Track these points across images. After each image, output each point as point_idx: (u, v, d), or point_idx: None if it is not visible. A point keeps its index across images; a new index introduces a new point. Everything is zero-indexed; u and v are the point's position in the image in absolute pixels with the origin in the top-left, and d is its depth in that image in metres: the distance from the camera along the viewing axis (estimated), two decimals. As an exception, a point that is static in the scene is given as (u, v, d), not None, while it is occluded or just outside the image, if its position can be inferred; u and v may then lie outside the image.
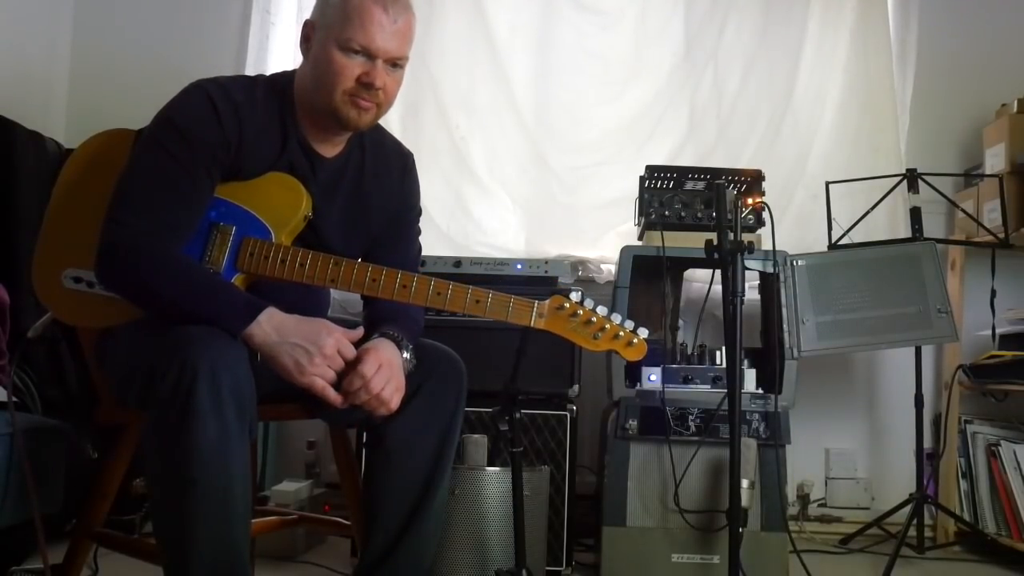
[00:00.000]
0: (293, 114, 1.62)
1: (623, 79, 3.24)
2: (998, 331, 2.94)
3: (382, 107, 1.60)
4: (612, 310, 1.59)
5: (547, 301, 1.55)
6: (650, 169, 2.62)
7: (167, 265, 1.46)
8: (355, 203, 1.70)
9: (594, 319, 1.55)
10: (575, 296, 1.56)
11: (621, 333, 1.57)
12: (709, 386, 2.38)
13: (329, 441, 1.87)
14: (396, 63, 1.58)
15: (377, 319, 1.63)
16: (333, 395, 1.47)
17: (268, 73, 1.73)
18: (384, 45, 1.53)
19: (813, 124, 3.21)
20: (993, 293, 3.00)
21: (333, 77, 1.54)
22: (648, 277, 2.53)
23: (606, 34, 3.26)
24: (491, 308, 1.54)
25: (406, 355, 1.56)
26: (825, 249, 2.80)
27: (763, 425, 2.32)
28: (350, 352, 1.48)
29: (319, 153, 1.65)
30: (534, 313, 1.55)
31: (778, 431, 2.31)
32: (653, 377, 2.38)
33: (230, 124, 1.54)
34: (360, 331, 1.54)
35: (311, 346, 1.43)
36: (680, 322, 2.82)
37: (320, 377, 1.45)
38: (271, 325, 1.42)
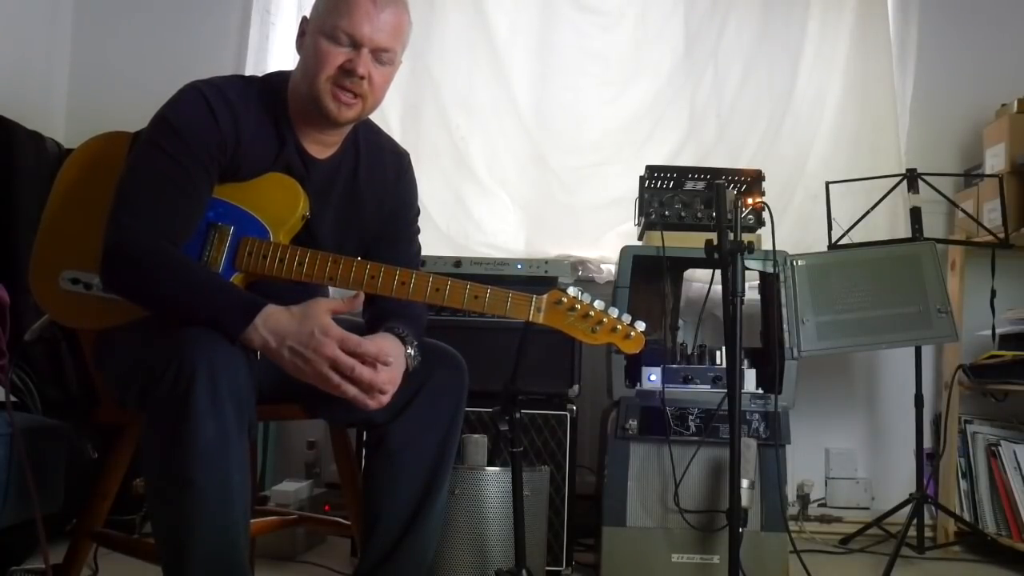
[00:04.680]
0: (287, 115, 1.62)
1: (623, 79, 3.25)
2: (998, 331, 2.94)
3: (367, 101, 1.58)
4: (611, 309, 1.59)
5: (545, 296, 1.56)
6: (650, 169, 2.62)
7: (169, 265, 1.46)
8: (349, 204, 1.70)
9: (592, 312, 1.56)
10: (572, 291, 1.56)
11: (619, 326, 1.57)
12: (709, 386, 2.38)
13: (329, 441, 1.87)
14: (382, 56, 1.57)
15: (381, 316, 1.62)
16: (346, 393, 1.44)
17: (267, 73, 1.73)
18: (370, 34, 1.53)
19: (813, 124, 3.21)
20: (993, 293, 3.00)
21: (317, 65, 1.54)
22: (648, 277, 2.53)
23: (606, 34, 3.26)
24: (489, 303, 1.54)
25: (410, 351, 1.55)
26: (825, 249, 2.80)
27: (763, 425, 2.32)
28: (354, 344, 1.44)
29: (312, 155, 1.64)
30: (532, 307, 1.55)
31: (778, 431, 2.31)
32: (653, 377, 2.38)
33: (226, 124, 1.54)
34: (359, 298, 1.51)
35: (306, 350, 1.41)
36: (680, 322, 2.82)
37: (321, 379, 1.43)
38: (267, 327, 1.41)
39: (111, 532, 1.74)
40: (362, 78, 1.54)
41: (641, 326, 1.59)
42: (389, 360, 1.47)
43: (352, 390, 1.44)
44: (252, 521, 1.58)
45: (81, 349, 1.65)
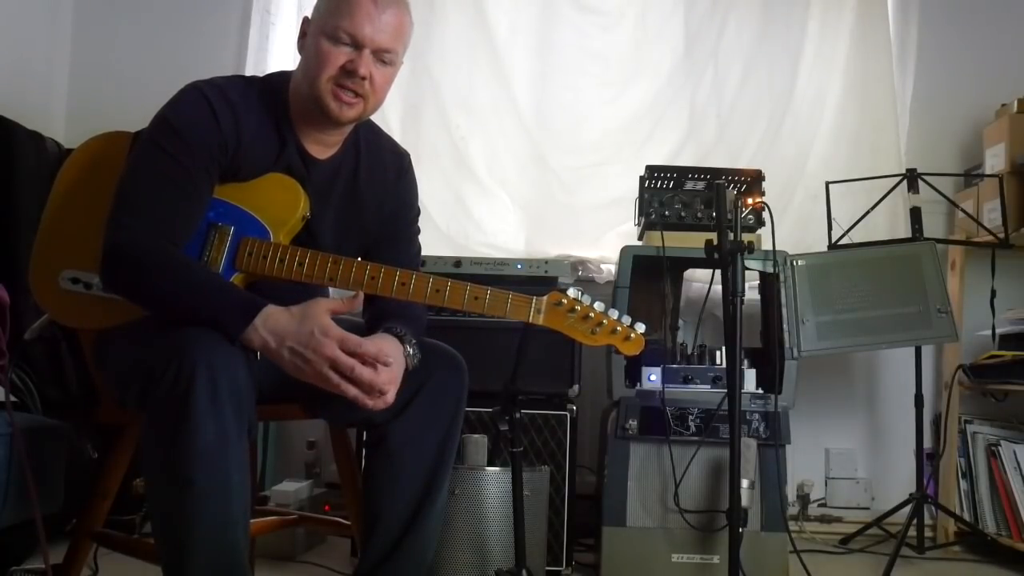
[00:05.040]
0: (288, 116, 1.62)
1: (623, 79, 3.25)
2: (998, 331, 2.94)
3: (368, 101, 1.58)
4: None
5: (545, 297, 1.56)
6: (650, 169, 2.62)
7: (169, 265, 1.46)
8: (350, 205, 1.70)
9: (592, 314, 1.56)
10: (572, 292, 1.56)
11: (619, 328, 1.57)
12: (709, 386, 2.38)
13: (329, 441, 1.87)
14: (384, 57, 1.57)
15: (380, 316, 1.62)
16: (345, 392, 1.44)
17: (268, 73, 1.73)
18: (371, 34, 1.53)
19: (813, 124, 3.21)
20: (993, 293, 3.00)
21: (319, 65, 1.54)
22: (648, 277, 2.53)
23: (606, 34, 3.26)
24: (489, 304, 1.54)
25: (409, 349, 1.55)
26: (825, 249, 2.80)
27: (763, 425, 2.32)
28: (354, 344, 1.44)
29: (313, 156, 1.64)
30: (532, 309, 1.55)
31: (778, 431, 2.31)
32: (653, 377, 2.38)
33: (227, 124, 1.54)
34: (359, 298, 1.51)
35: (306, 350, 1.41)
36: (680, 322, 2.82)
37: (321, 379, 1.44)
38: (266, 328, 1.40)
39: (111, 532, 1.74)
40: (363, 78, 1.54)
41: (641, 328, 1.59)
42: (389, 360, 1.47)
43: (352, 390, 1.44)
44: (252, 521, 1.59)
45: (81, 349, 1.65)
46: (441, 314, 2.16)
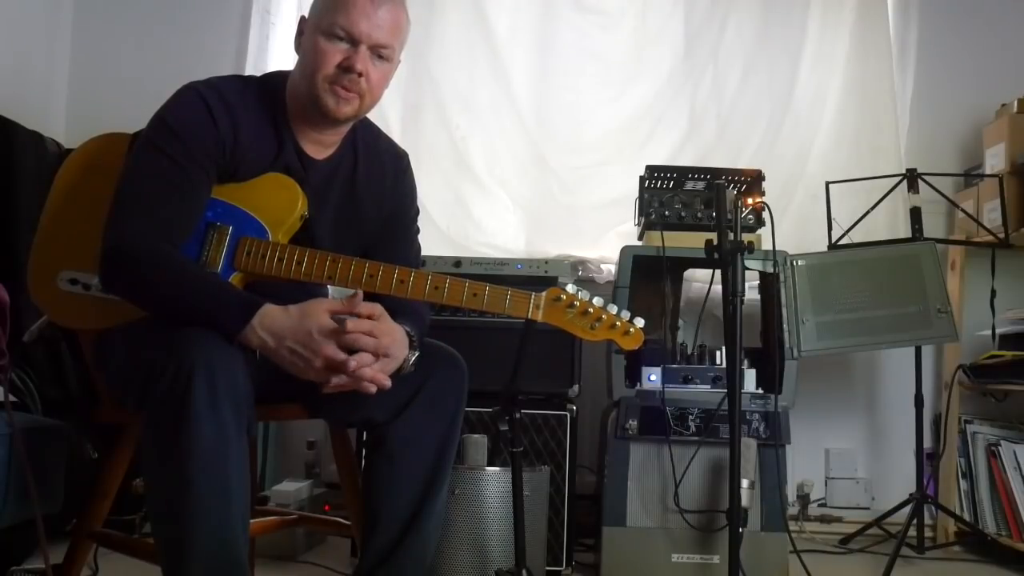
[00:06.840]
0: (285, 116, 1.62)
1: (623, 79, 3.25)
2: (998, 331, 2.94)
3: (364, 98, 1.58)
4: (611, 308, 1.59)
5: (544, 293, 1.56)
6: (650, 169, 2.62)
7: (167, 266, 1.46)
8: (348, 205, 1.70)
9: (591, 309, 1.56)
10: (571, 288, 1.56)
11: (618, 323, 1.58)
12: (709, 386, 2.38)
13: (329, 441, 1.87)
14: (380, 53, 1.56)
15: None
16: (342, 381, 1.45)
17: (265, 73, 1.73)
18: (367, 30, 1.53)
19: (813, 124, 3.21)
20: (993, 293, 3.00)
21: (315, 63, 1.54)
22: (648, 277, 2.53)
23: (606, 34, 3.26)
24: (489, 301, 1.54)
25: (415, 355, 1.55)
26: (825, 249, 2.80)
27: (763, 425, 2.32)
28: (350, 341, 1.43)
29: (310, 156, 1.64)
30: (531, 304, 1.55)
31: (778, 431, 2.31)
32: (653, 377, 2.38)
33: (224, 125, 1.54)
34: (358, 297, 1.48)
35: (305, 350, 1.41)
36: (680, 322, 2.82)
37: (321, 378, 1.44)
38: (264, 327, 1.40)
39: (111, 532, 1.74)
40: (360, 75, 1.54)
41: (640, 322, 1.59)
42: (389, 352, 1.47)
43: (350, 385, 1.44)
44: (252, 521, 1.58)
45: (81, 349, 1.65)
46: (441, 314, 2.16)
